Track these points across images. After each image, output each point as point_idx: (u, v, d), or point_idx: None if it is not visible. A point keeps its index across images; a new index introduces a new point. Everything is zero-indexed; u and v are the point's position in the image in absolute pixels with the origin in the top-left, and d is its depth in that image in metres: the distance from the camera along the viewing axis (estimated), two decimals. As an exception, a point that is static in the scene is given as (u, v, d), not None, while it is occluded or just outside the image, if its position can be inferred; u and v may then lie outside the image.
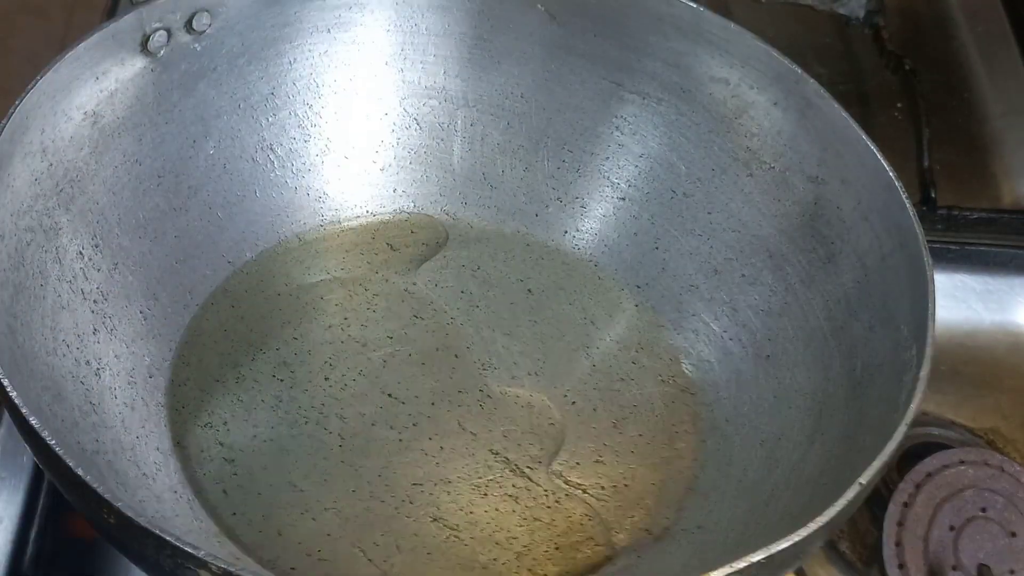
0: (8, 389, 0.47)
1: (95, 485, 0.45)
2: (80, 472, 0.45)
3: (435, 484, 0.61)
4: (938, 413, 0.69)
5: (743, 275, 0.68)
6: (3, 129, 0.55)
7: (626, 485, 0.62)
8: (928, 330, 0.55)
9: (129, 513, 0.44)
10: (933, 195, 0.78)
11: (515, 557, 0.59)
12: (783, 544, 0.47)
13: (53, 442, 0.46)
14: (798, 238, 0.66)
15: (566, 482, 0.62)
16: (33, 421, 0.46)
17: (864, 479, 0.49)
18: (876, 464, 0.50)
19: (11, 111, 0.56)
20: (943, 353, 0.56)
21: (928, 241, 0.58)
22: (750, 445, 0.62)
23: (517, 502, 0.61)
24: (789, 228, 0.66)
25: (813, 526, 0.48)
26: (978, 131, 0.88)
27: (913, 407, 0.52)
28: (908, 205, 0.60)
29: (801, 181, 0.66)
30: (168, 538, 0.44)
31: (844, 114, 0.64)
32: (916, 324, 0.56)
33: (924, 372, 0.53)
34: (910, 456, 0.65)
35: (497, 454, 0.63)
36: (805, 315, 0.64)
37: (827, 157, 0.65)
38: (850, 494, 0.49)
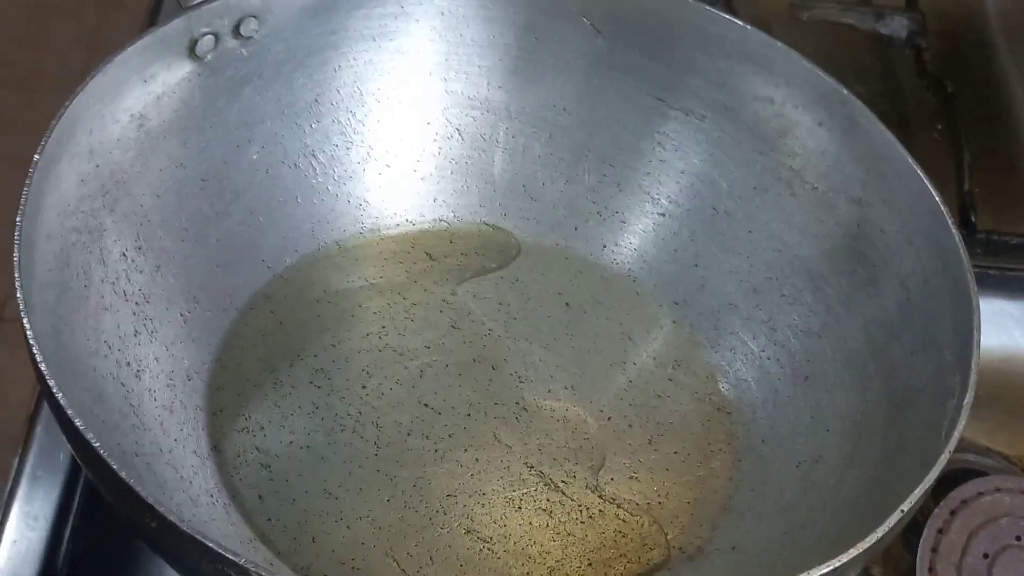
0: (54, 389, 0.47)
1: (138, 488, 0.45)
2: (124, 475, 0.45)
3: (469, 496, 0.61)
4: (974, 439, 0.69)
5: (783, 295, 0.67)
6: (52, 130, 0.55)
7: (660, 503, 0.62)
8: (972, 356, 0.55)
9: (171, 518, 0.44)
10: (973, 219, 0.78)
11: (548, 572, 0.59)
12: (823, 569, 0.47)
13: (97, 444, 0.46)
14: (840, 259, 0.65)
15: (600, 497, 0.62)
16: (78, 423, 0.47)
17: (906, 506, 0.49)
18: (918, 491, 0.50)
19: (60, 112, 0.56)
20: (980, 379, 0.56)
21: (967, 265, 0.58)
22: (787, 466, 0.62)
23: (551, 516, 0.61)
24: (831, 249, 0.66)
25: (854, 552, 0.48)
26: (1018, 155, 0.88)
27: (956, 434, 0.52)
28: (953, 228, 0.59)
29: (844, 202, 0.66)
30: (210, 544, 0.44)
31: (889, 135, 0.64)
32: (960, 349, 0.56)
33: (968, 399, 0.53)
34: (945, 482, 0.64)
35: (532, 467, 0.63)
36: (845, 337, 0.64)
37: (871, 178, 0.64)
38: (891, 521, 0.49)
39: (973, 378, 0.54)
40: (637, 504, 0.62)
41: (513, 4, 0.70)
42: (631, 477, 0.63)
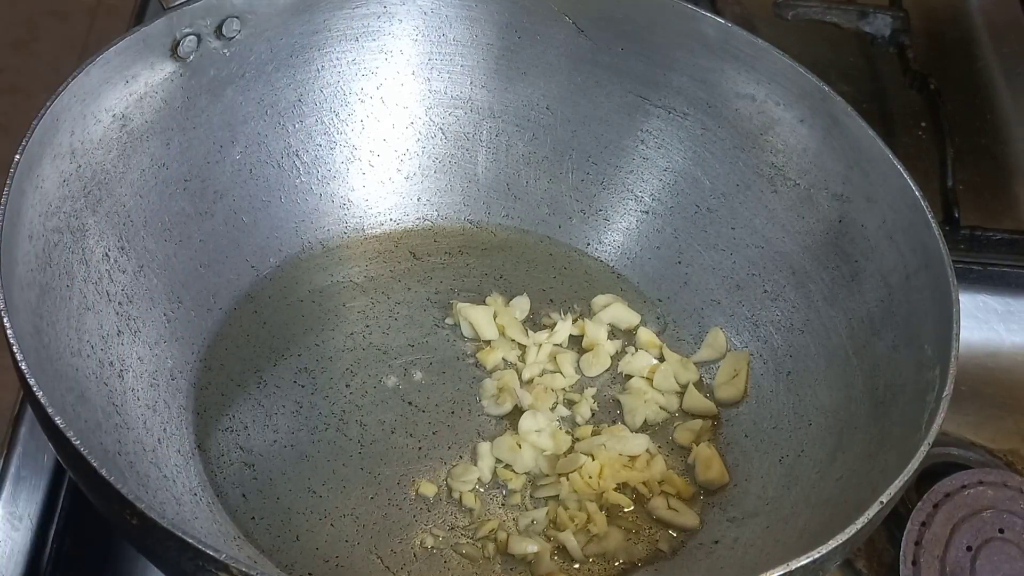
0: (34, 388, 0.48)
1: (118, 486, 0.45)
2: (104, 473, 0.46)
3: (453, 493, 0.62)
4: (958, 434, 0.69)
5: (765, 291, 0.68)
6: (33, 130, 0.55)
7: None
8: (952, 350, 0.55)
9: (152, 515, 0.45)
10: (956, 215, 0.78)
11: (528, 568, 0.59)
12: (802, 560, 0.47)
13: (77, 442, 0.46)
14: (822, 255, 0.66)
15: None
16: (58, 421, 0.47)
17: (885, 497, 0.49)
18: (897, 483, 0.50)
19: (41, 113, 0.56)
20: (964, 374, 0.56)
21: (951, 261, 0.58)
22: (770, 461, 0.62)
23: (535, 513, 0.61)
24: (813, 245, 0.66)
25: (833, 543, 0.48)
26: (1002, 152, 0.88)
27: (935, 426, 0.52)
28: (934, 225, 0.60)
29: (826, 199, 0.66)
30: (190, 540, 0.44)
31: (871, 132, 0.64)
32: (940, 344, 0.56)
33: (947, 392, 0.53)
34: (929, 476, 0.64)
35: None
36: (827, 332, 0.64)
37: (852, 175, 0.65)
38: (871, 512, 0.49)
39: (952, 371, 0.54)
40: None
41: (495, 3, 0.70)
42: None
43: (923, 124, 0.88)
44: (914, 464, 0.50)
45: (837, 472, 0.59)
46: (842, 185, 0.65)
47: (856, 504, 0.51)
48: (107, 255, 0.60)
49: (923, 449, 0.51)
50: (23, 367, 0.48)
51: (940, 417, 0.52)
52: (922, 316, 0.59)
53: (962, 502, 0.63)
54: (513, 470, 0.62)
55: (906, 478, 0.50)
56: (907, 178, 0.62)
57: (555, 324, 0.69)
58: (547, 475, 0.62)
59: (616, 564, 0.60)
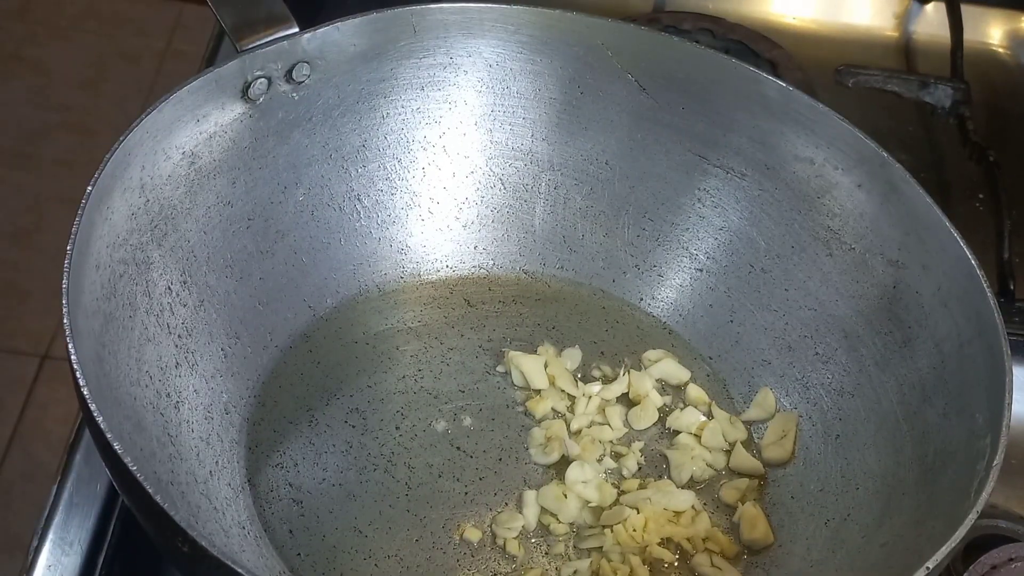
0: (95, 414, 0.49)
1: (172, 513, 0.46)
2: (159, 499, 0.46)
3: (497, 539, 0.62)
4: (1006, 507, 0.69)
5: (817, 353, 0.68)
6: (106, 164, 0.57)
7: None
8: (1003, 419, 0.55)
9: (203, 543, 0.45)
10: (1011, 287, 0.78)
11: (573, 619, 0.59)
12: (846, 623, 0.47)
13: (135, 468, 0.47)
14: (875, 320, 0.66)
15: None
16: (117, 447, 0.48)
17: (931, 563, 0.49)
18: (944, 549, 0.50)
19: (114, 147, 0.58)
20: (1014, 447, 0.56)
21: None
22: (815, 523, 0.62)
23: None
24: (866, 310, 0.66)
25: (878, 607, 0.48)
26: (1059, 226, 0.88)
27: (984, 495, 0.52)
28: (989, 294, 0.60)
29: (881, 264, 0.66)
30: (240, 570, 0.45)
31: (928, 200, 0.64)
32: (991, 413, 0.56)
33: (997, 461, 0.53)
34: (976, 547, 0.64)
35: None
36: (878, 397, 0.64)
37: (909, 242, 0.65)
38: (916, 577, 0.49)
39: (1003, 440, 0.54)
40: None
41: (560, 59, 0.72)
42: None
43: (980, 196, 0.88)
44: (961, 532, 0.50)
45: (883, 537, 0.58)
46: (898, 251, 0.66)
47: (901, 570, 0.51)
48: (170, 288, 0.62)
49: (971, 517, 0.51)
50: (85, 392, 0.49)
51: (990, 486, 0.52)
52: (974, 384, 0.59)
53: (1009, 575, 0.62)
54: (558, 519, 0.63)
55: (953, 545, 0.50)
56: (964, 247, 0.62)
57: (603, 376, 0.69)
58: (591, 526, 0.63)
59: (657, 620, 0.60)
